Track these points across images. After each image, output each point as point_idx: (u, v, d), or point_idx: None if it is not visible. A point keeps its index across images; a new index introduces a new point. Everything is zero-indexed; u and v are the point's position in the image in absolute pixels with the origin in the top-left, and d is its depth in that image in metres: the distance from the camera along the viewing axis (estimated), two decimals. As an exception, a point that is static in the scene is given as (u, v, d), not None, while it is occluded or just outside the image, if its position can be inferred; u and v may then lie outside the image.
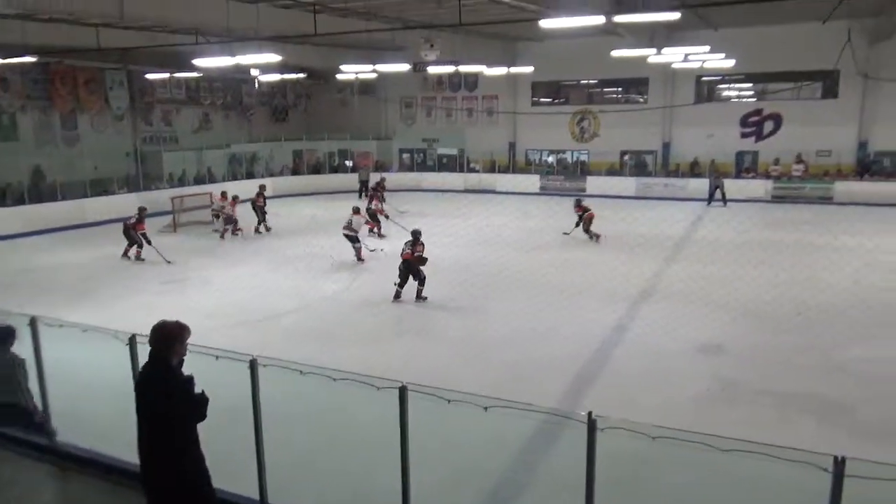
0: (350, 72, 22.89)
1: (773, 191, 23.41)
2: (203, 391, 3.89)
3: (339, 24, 17.28)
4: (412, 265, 11.71)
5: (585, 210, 16.98)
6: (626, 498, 5.50)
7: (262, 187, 19.77)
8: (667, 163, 26.23)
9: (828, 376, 8.13)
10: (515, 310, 10.84)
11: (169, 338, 3.82)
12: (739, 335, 9.50)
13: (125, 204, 21.15)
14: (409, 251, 11.79)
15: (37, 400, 5.46)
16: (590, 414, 3.65)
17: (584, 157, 27.92)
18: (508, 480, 5.99)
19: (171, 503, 3.91)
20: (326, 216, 16.36)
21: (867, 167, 23.11)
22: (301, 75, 25.85)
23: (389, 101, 30.53)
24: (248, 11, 15.30)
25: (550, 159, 28.71)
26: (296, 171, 28.67)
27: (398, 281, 11.76)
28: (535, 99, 28.60)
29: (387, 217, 18.10)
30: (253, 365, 4.38)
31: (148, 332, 3.85)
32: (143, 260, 15.27)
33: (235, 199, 18.67)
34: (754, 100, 25.37)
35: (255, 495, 4.56)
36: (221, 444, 4.22)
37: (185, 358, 3.91)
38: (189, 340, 3.90)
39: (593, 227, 16.76)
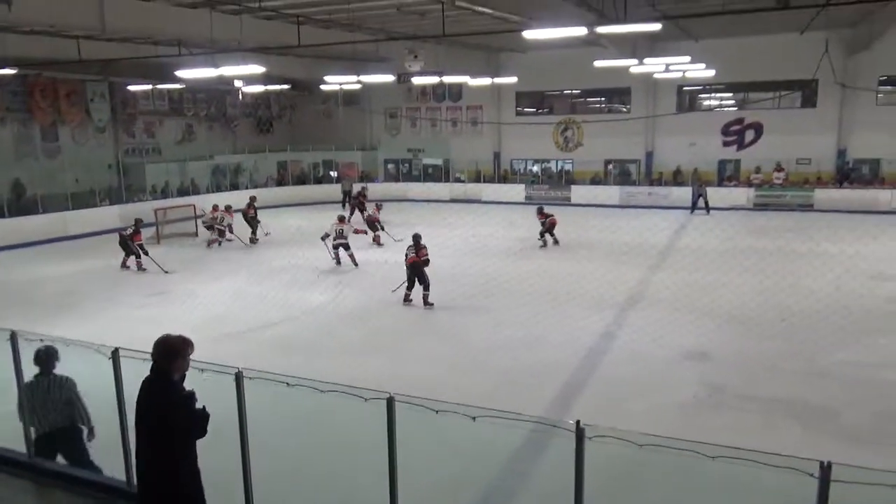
0: (334, 83, 22.89)
1: (755, 199, 23.68)
2: (204, 407, 3.84)
3: (322, 36, 17.31)
4: (418, 268, 11.95)
5: (547, 216, 17.55)
6: (615, 506, 5.50)
7: (253, 198, 19.90)
8: (650, 172, 26.47)
9: (812, 381, 8.21)
10: (503, 318, 10.85)
11: (171, 352, 3.77)
12: (725, 341, 9.57)
13: (107, 217, 21.05)
14: (413, 255, 12.05)
15: (16, 416, 5.36)
16: (578, 423, 3.65)
17: (568, 167, 28.11)
18: (497, 489, 5.97)
19: None
20: (312, 227, 16.34)
21: (846, 175, 23.47)
22: (285, 87, 25.82)
23: (374, 112, 30.56)
24: (231, 23, 15.28)
25: (535, 169, 28.89)
26: (281, 182, 28.59)
27: (406, 284, 12.06)
28: (519, 109, 28.77)
29: (382, 227, 18.20)
30: (238, 377, 4.34)
31: (132, 345, 3.82)
32: (144, 270, 15.39)
33: (228, 208, 18.92)
34: (735, 109, 25.72)
35: (242, 509, 4.50)
36: (207, 457, 4.16)
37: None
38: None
39: (556, 233, 17.47)
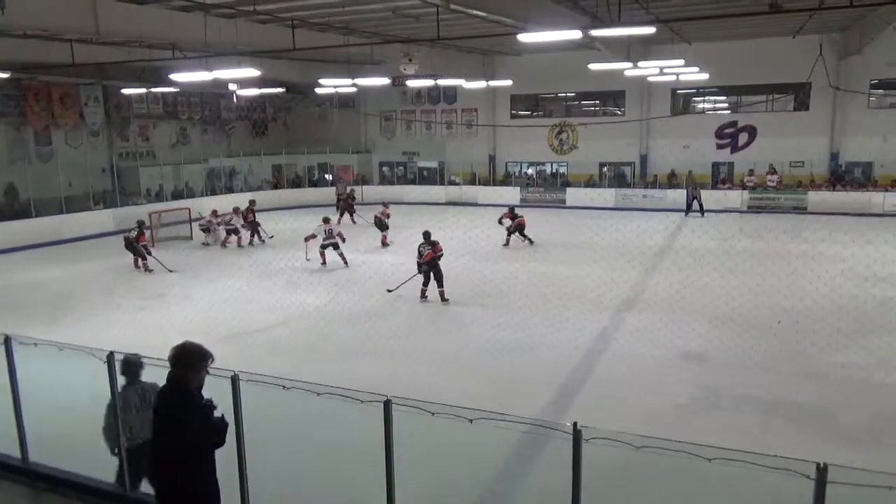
0: (329, 86, 22.87)
1: (749, 201, 23.77)
2: (223, 415, 3.78)
3: (317, 39, 17.30)
4: (434, 264, 12.18)
5: (516, 217, 18.06)
6: (612, 508, 5.50)
7: (252, 202, 20.02)
8: (644, 174, 26.55)
9: (807, 382, 8.24)
10: (500, 320, 10.85)
11: (187, 364, 3.66)
12: (721, 343, 9.58)
13: (101, 220, 20.98)
14: (430, 251, 12.27)
15: (12, 421, 5.33)
16: (575, 425, 3.66)
17: (563, 169, 28.15)
18: (494, 492, 5.97)
19: None
20: (308, 230, 16.39)
21: (839, 177, 23.58)
22: (280, 90, 25.79)
23: (369, 115, 30.55)
24: (225, 26, 15.24)
25: (530, 171, 28.93)
26: (276, 186, 28.55)
27: (422, 281, 12.30)
28: (513, 112, 28.81)
29: (386, 225, 18.36)
30: (235, 380, 4.33)
31: (127, 349, 3.79)
32: (151, 271, 15.65)
33: (237, 209, 19.24)
34: (729, 112, 25.82)
35: (238, 512, 4.49)
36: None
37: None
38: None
39: (526, 232, 18.06)
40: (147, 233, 16.72)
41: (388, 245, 17.99)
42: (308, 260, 15.80)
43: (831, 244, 14.63)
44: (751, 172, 24.42)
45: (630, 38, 19.53)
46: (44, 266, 16.38)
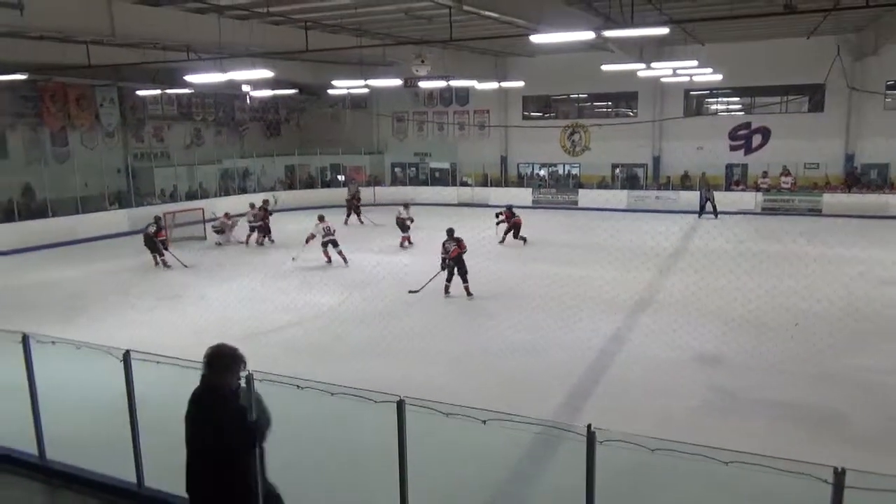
0: (342, 87, 22.95)
1: (764, 203, 23.57)
2: (257, 418, 3.72)
3: (330, 41, 17.37)
4: (460, 259, 12.49)
5: (512, 216, 18.13)
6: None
7: (266, 202, 20.16)
8: (657, 176, 26.41)
9: (823, 386, 8.15)
10: (513, 321, 10.83)
11: (221, 367, 3.62)
12: (737, 344, 9.51)
13: (116, 220, 21.18)
14: (455, 247, 12.56)
15: (29, 419, 5.39)
16: (589, 427, 3.64)
17: (575, 171, 28.06)
18: (507, 493, 5.95)
19: None
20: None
21: (855, 179, 23.33)
22: (293, 91, 25.91)
23: (381, 116, 30.62)
24: (239, 28, 15.34)
25: (542, 172, 28.85)
26: (290, 186, 28.69)
27: (446, 276, 12.64)
28: (525, 113, 28.75)
29: (406, 227, 18.40)
30: (249, 380, 4.34)
31: (143, 348, 3.80)
32: (169, 267, 15.96)
33: (253, 206, 19.50)
34: (742, 113, 25.62)
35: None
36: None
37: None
38: (189, 356, 3.83)
39: (522, 233, 18.26)
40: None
41: (406, 247, 17.96)
42: (294, 259, 15.97)
43: (849, 247, 14.47)
44: (765, 174, 24.21)
45: (643, 38, 19.42)
46: (59, 266, 16.56)
